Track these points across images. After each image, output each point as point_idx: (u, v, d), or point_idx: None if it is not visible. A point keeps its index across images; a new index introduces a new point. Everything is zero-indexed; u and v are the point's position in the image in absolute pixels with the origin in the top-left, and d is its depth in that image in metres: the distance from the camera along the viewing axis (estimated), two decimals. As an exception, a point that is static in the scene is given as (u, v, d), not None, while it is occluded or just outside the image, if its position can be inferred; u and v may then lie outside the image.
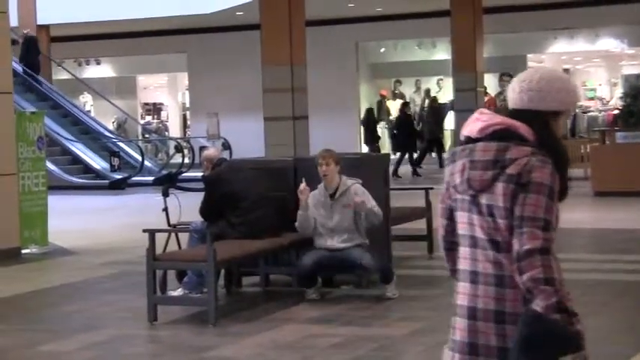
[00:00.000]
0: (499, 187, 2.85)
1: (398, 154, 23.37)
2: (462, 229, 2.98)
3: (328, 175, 8.12)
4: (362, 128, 27.50)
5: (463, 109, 24.43)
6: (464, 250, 2.99)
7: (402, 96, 30.11)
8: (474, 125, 2.96)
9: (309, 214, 8.09)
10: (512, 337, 2.84)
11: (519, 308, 2.87)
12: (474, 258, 2.96)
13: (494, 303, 2.93)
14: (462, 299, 3.03)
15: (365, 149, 26.30)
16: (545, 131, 2.94)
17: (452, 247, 3.11)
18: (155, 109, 35.90)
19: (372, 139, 24.98)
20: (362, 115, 27.28)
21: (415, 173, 22.70)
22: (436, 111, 25.13)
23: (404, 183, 18.99)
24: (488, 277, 2.94)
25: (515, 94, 2.97)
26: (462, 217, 2.97)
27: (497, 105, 28.54)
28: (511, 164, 2.85)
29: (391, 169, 22.93)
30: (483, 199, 2.88)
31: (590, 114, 28.19)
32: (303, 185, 8.11)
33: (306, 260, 8.13)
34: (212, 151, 9.09)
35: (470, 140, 2.95)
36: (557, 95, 2.95)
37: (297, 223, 8.16)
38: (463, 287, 3.02)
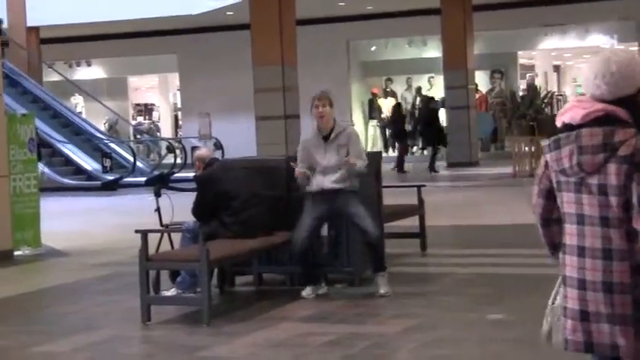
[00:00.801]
0: (611, 167, 3.21)
1: (425, 150, 23.37)
2: (568, 207, 3.37)
3: (325, 116, 8.15)
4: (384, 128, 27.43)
5: (454, 107, 24.51)
6: (570, 227, 3.37)
7: (393, 94, 30.15)
8: (574, 112, 3.31)
9: (306, 171, 8.12)
10: (620, 304, 3.24)
11: (627, 279, 3.23)
12: (582, 234, 3.32)
13: (601, 275, 3.29)
14: (570, 271, 3.39)
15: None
16: (638, 111, 3.28)
17: (548, 224, 3.55)
18: (146, 109, 35.90)
19: (400, 136, 24.57)
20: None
21: (432, 169, 22.67)
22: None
23: (399, 180, 19.01)
24: (595, 251, 3.29)
25: (600, 89, 3.31)
26: (568, 198, 3.36)
27: (489, 102, 28.60)
28: (621, 146, 3.20)
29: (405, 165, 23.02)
30: (594, 180, 3.24)
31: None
32: (298, 171, 8.11)
33: (300, 232, 8.12)
34: (204, 150, 9.09)
35: (570, 127, 3.30)
36: (638, 75, 3.31)
37: (298, 181, 8.20)
38: (571, 260, 3.38)
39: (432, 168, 22.64)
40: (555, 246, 3.55)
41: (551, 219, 3.52)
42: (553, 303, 3.61)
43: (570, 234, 3.38)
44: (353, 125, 8.35)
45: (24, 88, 24.78)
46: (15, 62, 24.95)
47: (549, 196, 3.47)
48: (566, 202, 3.37)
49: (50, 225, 13.15)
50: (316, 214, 8.18)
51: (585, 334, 3.36)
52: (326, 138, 8.15)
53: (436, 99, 24.74)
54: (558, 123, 3.35)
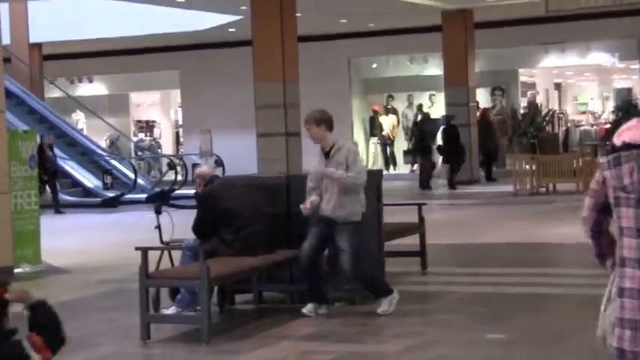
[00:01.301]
0: None
1: (445, 166, 23.34)
2: (627, 222, 3.56)
3: (315, 137, 8.20)
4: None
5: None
6: (629, 241, 3.55)
7: (394, 111, 30.16)
8: (635, 132, 3.51)
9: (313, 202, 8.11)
10: None
11: None
12: None
13: None
14: (630, 282, 3.55)
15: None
16: None
17: (598, 235, 3.81)
18: (148, 126, 35.89)
19: (423, 151, 24.40)
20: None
21: (452, 186, 22.69)
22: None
23: (398, 199, 18.97)
24: None
25: None
26: (627, 213, 3.55)
27: (490, 119, 28.60)
28: None
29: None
30: None
31: (582, 128, 28.25)
32: (305, 207, 8.11)
33: (304, 248, 8.16)
34: (205, 168, 9.08)
35: (629, 145, 3.49)
36: None
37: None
38: (632, 273, 3.54)
39: (451, 185, 22.68)
40: (604, 256, 3.83)
41: (601, 231, 3.79)
42: (605, 310, 3.82)
43: (629, 247, 3.56)
44: (355, 143, 8.34)
45: (28, 106, 24.82)
46: (17, 78, 24.99)
47: (602, 210, 3.71)
48: (625, 217, 3.57)
49: (50, 242, 13.13)
50: (318, 232, 8.21)
51: None
52: (327, 155, 8.16)
53: (449, 115, 24.54)
54: (617, 141, 3.54)
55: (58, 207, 20.48)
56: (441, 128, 23.69)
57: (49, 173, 20.63)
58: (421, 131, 23.82)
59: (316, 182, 8.16)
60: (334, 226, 8.10)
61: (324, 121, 8.19)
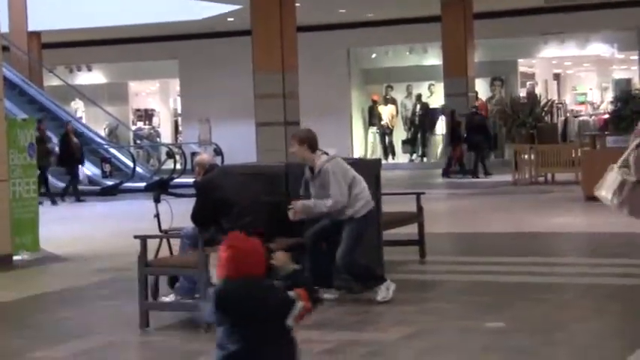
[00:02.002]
0: None
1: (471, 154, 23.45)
2: None
3: (296, 156, 8.30)
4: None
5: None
6: None
7: (393, 101, 30.16)
8: None
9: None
10: None
11: None
12: None
13: None
14: None
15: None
16: None
17: None
18: (147, 115, 35.87)
19: (453, 140, 24.21)
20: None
21: (486, 172, 22.95)
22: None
23: (396, 188, 18.98)
24: None
25: None
26: None
27: (489, 109, 28.58)
28: None
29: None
30: None
31: (580, 118, 28.24)
32: (290, 214, 8.21)
33: (308, 232, 8.33)
34: (205, 156, 9.05)
35: None
36: None
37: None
38: None
39: (486, 172, 22.89)
40: None
41: None
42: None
43: None
44: (331, 159, 8.34)
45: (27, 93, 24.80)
46: (16, 67, 24.97)
47: None
48: None
49: (49, 230, 13.14)
50: (324, 224, 8.35)
51: None
52: (312, 171, 8.25)
53: (475, 105, 24.48)
54: None
55: (78, 195, 20.37)
56: (466, 117, 23.76)
57: (75, 160, 20.53)
58: (453, 121, 23.78)
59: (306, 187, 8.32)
60: (340, 224, 8.23)
61: (307, 140, 8.25)
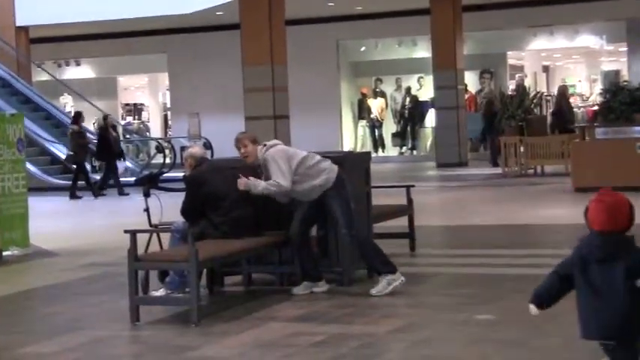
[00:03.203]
0: None
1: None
2: None
3: (249, 156, 8.30)
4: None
5: (444, 107, 24.53)
6: None
7: (382, 94, 30.17)
8: None
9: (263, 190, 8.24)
10: None
11: None
12: None
13: None
14: None
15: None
16: None
17: None
18: (136, 109, 35.83)
19: (490, 130, 24.27)
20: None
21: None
22: None
23: (386, 181, 18.98)
24: None
25: None
26: None
27: (478, 102, 28.62)
28: None
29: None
30: None
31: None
32: (242, 182, 8.20)
33: (291, 230, 8.27)
34: (197, 149, 8.97)
35: None
36: None
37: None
38: None
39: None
40: None
41: None
42: None
43: None
44: (267, 147, 8.40)
45: (15, 89, 24.73)
46: (4, 62, 24.90)
47: None
48: None
49: (39, 225, 13.11)
50: (303, 211, 8.32)
51: None
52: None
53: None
54: None
55: (121, 188, 20.21)
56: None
57: (115, 154, 20.40)
58: (491, 113, 23.78)
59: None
60: (317, 204, 8.19)
61: (257, 139, 8.41)
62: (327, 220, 8.43)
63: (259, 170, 8.37)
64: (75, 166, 20.39)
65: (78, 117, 21.00)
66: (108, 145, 20.43)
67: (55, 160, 23.42)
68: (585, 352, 6.19)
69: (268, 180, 8.19)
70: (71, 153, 20.45)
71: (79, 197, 19.88)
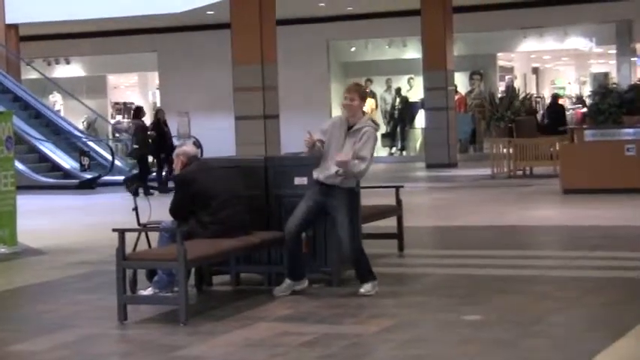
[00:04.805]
0: None
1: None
2: None
3: (351, 108, 8.15)
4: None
5: (433, 108, 24.56)
6: None
7: (372, 95, 30.18)
8: None
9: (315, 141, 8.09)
10: None
11: None
12: None
13: None
14: None
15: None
16: None
17: None
18: (125, 108, 35.76)
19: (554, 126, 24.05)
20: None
21: None
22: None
23: (376, 181, 19.02)
24: None
25: None
26: None
27: (468, 103, 28.67)
28: None
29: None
30: None
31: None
32: (309, 138, 8.05)
33: (291, 222, 8.19)
34: (190, 147, 8.93)
35: None
36: None
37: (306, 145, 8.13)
38: None
39: None
40: None
41: None
42: None
43: None
44: (377, 126, 8.37)
45: (3, 86, 24.68)
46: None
47: None
48: None
49: (27, 223, 13.08)
50: (310, 202, 8.19)
51: None
52: (349, 129, 8.14)
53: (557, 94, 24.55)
54: None
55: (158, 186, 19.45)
56: (547, 106, 23.99)
57: (168, 149, 20.01)
58: (556, 106, 23.86)
59: (328, 138, 8.10)
60: (329, 195, 8.11)
61: (365, 97, 8.35)
62: (321, 221, 8.40)
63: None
64: (139, 161, 20.09)
65: (139, 111, 20.83)
66: (164, 140, 20.19)
67: (43, 158, 23.36)
68: (574, 353, 6.21)
69: (351, 145, 8.01)
70: (135, 146, 20.16)
71: (151, 194, 17.78)
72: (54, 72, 32.04)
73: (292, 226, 8.21)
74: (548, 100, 31.20)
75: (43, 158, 23.38)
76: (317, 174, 8.17)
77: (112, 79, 35.06)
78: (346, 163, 7.96)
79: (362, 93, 8.28)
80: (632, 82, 21.86)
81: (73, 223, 15.25)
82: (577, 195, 15.36)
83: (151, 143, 20.17)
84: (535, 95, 29.04)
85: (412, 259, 10.36)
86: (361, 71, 30.51)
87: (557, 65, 35.00)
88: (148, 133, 20.16)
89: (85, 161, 22.71)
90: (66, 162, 23.47)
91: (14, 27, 26.43)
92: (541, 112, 27.88)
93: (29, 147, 23.24)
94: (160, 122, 20.48)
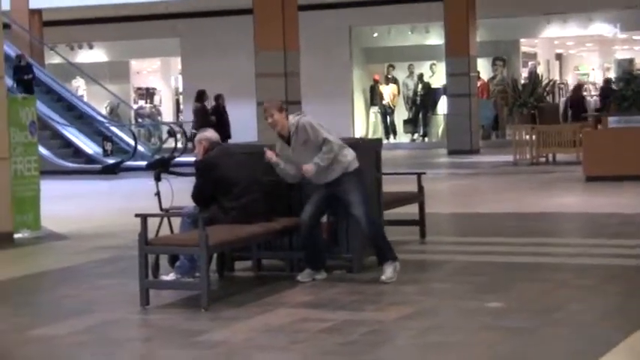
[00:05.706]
0: None
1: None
2: None
3: (276, 125, 8.24)
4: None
5: (456, 94, 24.49)
6: None
7: (395, 81, 30.12)
8: None
9: (283, 168, 8.30)
10: None
11: None
12: None
13: None
14: None
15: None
16: None
17: None
18: (148, 93, 35.85)
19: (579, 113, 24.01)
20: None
21: None
22: None
23: (397, 167, 19.01)
24: None
25: None
26: None
27: (490, 89, 28.55)
28: None
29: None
30: None
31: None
32: (268, 153, 8.27)
33: (303, 215, 8.24)
34: (212, 133, 8.91)
35: None
36: None
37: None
38: None
39: None
40: None
41: None
42: None
43: None
44: (302, 114, 8.40)
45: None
46: (18, 45, 24.93)
47: None
48: None
49: (50, 208, 13.15)
50: (319, 196, 8.26)
51: None
52: (288, 140, 8.21)
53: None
54: None
55: None
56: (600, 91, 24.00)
57: (229, 135, 19.88)
58: (579, 94, 23.85)
59: (285, 156, 8.29)
60: (334, 186, 8.17)
61: (283, 108, 8.30)
62: (339, 208, 8.41)
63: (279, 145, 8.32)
64: None
65: (202, 95, 20.74)
66: (222, 126, 20.07)
67: (66, 143, 23.46)
68: (595, 341, 6.19)
69: (303, 145, 8.12)
70: (194, 131, 20.26)
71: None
72: (77, 57, 32.14)
73: (305, 218, 8.25)
74: (571, 87, 31.13)
75: (67, 143, 23.48)
76: (316, 182, 8.25)
77: (135, 64, 35.13)
78: (312, 170, 8.10)
79: (275, 106, 8.31)
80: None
81: (96, 208, 15.32)
82: (600, 182, 15.29)
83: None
84: (558, 82, 28.88)
85: (434, 246, 10.35)
86: (383, 57, 30.44)
87: (581, 51, 34.78)
88: (210, 118, 19.96)
89: (108, 146, 22.80)
90: (89, 147, 23.56)
91: (38, 12, 26.53)
92: (562, 99, 27.77)
93: (53, 132, 23.34)
94: (219, 107, 20.32)
